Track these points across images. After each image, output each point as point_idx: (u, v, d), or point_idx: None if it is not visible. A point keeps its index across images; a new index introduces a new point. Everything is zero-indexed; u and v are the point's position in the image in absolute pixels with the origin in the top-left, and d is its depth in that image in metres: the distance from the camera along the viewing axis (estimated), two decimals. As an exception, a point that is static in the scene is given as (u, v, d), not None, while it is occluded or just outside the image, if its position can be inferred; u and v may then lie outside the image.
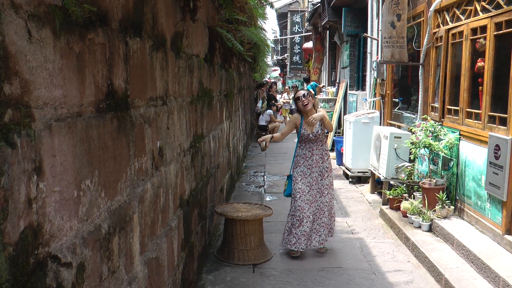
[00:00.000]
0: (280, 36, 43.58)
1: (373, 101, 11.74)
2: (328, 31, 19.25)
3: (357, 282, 5.71)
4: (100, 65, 2.42)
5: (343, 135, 12.23)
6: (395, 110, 10.28)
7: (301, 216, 6.36)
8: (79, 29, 2.16)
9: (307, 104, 6.50)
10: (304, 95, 6.54)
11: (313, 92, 6.71)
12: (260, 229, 6.36)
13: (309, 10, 23.50)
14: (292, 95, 22.97)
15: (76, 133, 2.13)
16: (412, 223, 7.27)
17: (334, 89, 17.39)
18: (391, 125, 10.25)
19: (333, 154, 14.11)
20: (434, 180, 7.32)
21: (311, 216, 6.44)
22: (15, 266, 1.66)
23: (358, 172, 11.06)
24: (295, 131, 6.82)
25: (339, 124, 15.35)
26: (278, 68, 50.03)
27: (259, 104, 19.82)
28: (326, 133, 6.81)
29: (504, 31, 5.88)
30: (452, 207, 7.12)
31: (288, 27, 34.95)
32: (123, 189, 2.78)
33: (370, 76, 12.05)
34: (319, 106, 16.72)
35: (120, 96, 2.73)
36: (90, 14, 2.25)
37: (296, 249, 6.38)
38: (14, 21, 1.66)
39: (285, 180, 6.82)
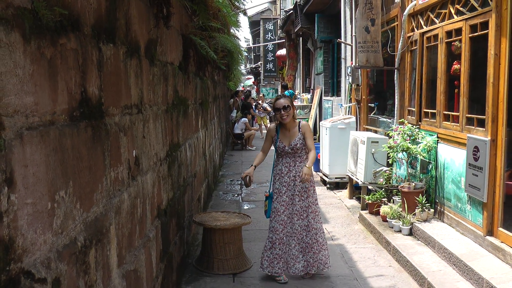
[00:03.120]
0: (253, 44, 43.73)
1: (349, 106, 11.77)
2: (301, 38, 19.40)
3: (339, 289, 5.67)
4: (73, 71, 2.33)
5: (319, 141, 12.22)
6: (371, 115, 10.32)
7: (273, 238, 5.90)
8: (50, 34, 2.07)
9: (285, 117, 5.91)
10: (284, 107, 5.92)
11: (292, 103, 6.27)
12: (239, 237, 6.28)
13: (281, 18, 23.62)
14: (268, 102, 23.04)
15: (49, 142, 2.04)
16: (392, 227, 7.26)
17: (309, 96, 17.46)
18: (367, 130, 10.28)
19: (309, 161, 14.10)
20: (413, 184, 7.32)
21: (284, 238, 5.92)
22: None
23: (336, 178, 11.04)
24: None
25: (315, 130, 15.36)
26: (252, 77, 50.12)
27: (233, 114, 19.77)
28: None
29: (479, 33, 5.92)
30: (432, 210, 7.13)
31: (261, 35, 35.08)
32: (99, 200, 2.68)
33: (345, 82, 12.10)
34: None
35: (94, 104, 2.64)
36: (62, 18, 2.16)
37: (270, 273, 5.88)
38: (-19, 24, 1.57)
39: (264, 197, 6.18)
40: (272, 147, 6.18)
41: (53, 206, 2.07)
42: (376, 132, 9.69)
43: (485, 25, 5.80)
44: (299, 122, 6.14)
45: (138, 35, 3.69)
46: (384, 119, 9.55)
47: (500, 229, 5.61)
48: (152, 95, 4.16)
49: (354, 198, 9.86)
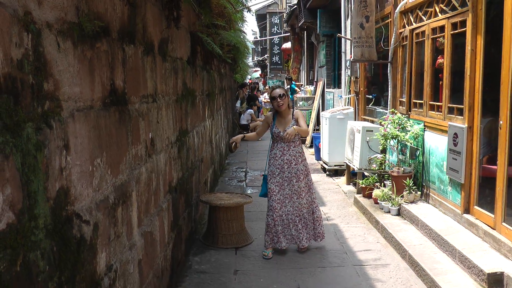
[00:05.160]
0: (260, 37, 44.18)
1: (348, 98, 12.38)
2: (305, 32, 19.82)
3: (330, 260, 6.32)
4: (105, 68, 3.00)
5: (320, 132, 12.85)
6: (369, 106, 10.90)
7: (273, 216, 6.47)
8: (90, 40, 2.74)
9: (281, 105, 6.48)
10: (280, 95, 6.49)
11: (288, 92, 6.85)
12: (241, 215, 6.96)
13: (286, 12, 24.09)
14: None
15: (90, 121, 2.71)
16: (382, 209, 7.89)
17: (312, 88, 18.01)
18: (365, 120, 10.85)
19: (312, 150, 14.78)
20: (402, 169, 7.95)
21: (283, 216, 6.52)
22: (54, 215, 2.24)
23: (335, 166, 11.67)
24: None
25: (318, 121, 15.96)
26: (259, 69, 50.49)
27: (238, 104, 20.36)
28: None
29: (459, 30, 6.49)
30: (419, 193, 7.75)
31: (268, 28, 35.56)
32: (124, 170, 3.36)
33: (345, 74, 12.67)
34: (298, 104, 17.35)
35: (120, 94, 3.31)
36: (97, 27, 2.84)
37: (276, 248, 6.52)
38: (49, 36, 2.24)
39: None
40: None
41: (92, 169, 2.75)
42: (373, 122, 10.26)
43: (463, 23, 6.38)
44: (293, 110, 6.72)
45: (153, 36, 4.35)
46: (381, 110, 10.11)
47: (476, 207, 6.19)
48: (164, 87, 4.83)
49: (351, 184, 10.46)
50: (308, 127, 6.82)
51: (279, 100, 6.49)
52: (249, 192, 9.98)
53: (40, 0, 2.16)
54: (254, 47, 45.99)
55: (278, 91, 6.63)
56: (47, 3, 2.22)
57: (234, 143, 6.79)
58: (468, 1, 6.20)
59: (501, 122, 5.52)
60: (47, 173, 2.18)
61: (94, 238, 2.73)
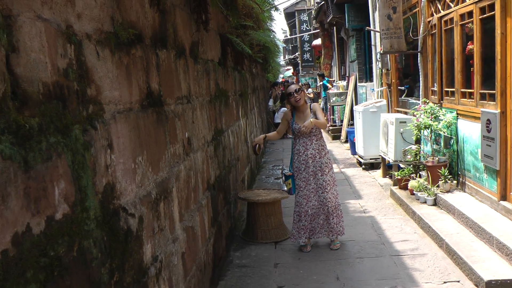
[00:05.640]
0: (290, 35, 44.23)
1: (380, 90, 12.44)
2: (334, 27, 19.87)
3: (368, 251, 6.43)
4: (140, 72, 3.21)
5: (354, 126, 12.95)
6: (401, 97, 10.94)
7: (300, 212, 6.56)
8: (125, 47, 2.95)
9: (299, 99, 6.51)
10: (296, 90, 6.53)
11: (303, 86, 6.82)
12: (279, 210, 7.14)
13: (315, 8, 24.17)
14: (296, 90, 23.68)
15: (129, 122, 2.92)
16: (419, 199, 7.96)
17: (344, 83, 18.08)
18: (398, 112, 10.88)
19: (347, 145, 14.88)
20: (437, 158, 8.00)
21: (309, 211, 6.55)
22: (103, 208, 2.45)
23: (370, 159, 11.77)
24: None
25: (352, 116, 16.02)
26: (291, 67, 50.57)
27: (270, 103, 20.51)
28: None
29: (488, 14, 6.49)
30: (455, 182, 7.78)
31: (297, 26, 35.60)
32: (163, 167, 3.57)
33: (376, 67, 12.74)
34: (331, 100, 17.43)
35: (156, 96, 3.52)
36: (131, 35, 3.05)
37: (298, 243, 6.66)
38: (89, 46, 2.45)
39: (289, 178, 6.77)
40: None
41: (135, 167, 2.96)
42: (406, 113, 10.25)
43: (492, 7, 6.37)
44: (310, 104, 6.77)
45: (184, 39, 4.56)
46: (414, 101, 10.11)
47: (512, 194, 6.25)
48: (198, 88, 5.04)
49: (387, 176, 10.52)
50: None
51: (295, 95, 6.52)
52: (285, 189, 10.13)
53: (79, 13, 2.37)
54: (284, 45, 46.07)
55: (293, 86, 6.68)
56: (85, 16, 2.43)
57: (257, 145, 6.83)
58: (496, -17, 6.22)
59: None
60: (95, 170, 2.39)
61: (140, 230, 2.94)
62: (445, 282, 5.42)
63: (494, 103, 6.43)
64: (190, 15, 4.89)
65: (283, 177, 6.95)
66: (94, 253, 2.32)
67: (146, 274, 3.03)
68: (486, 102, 6.70)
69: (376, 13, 12.11)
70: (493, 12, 6.37)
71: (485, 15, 6.64)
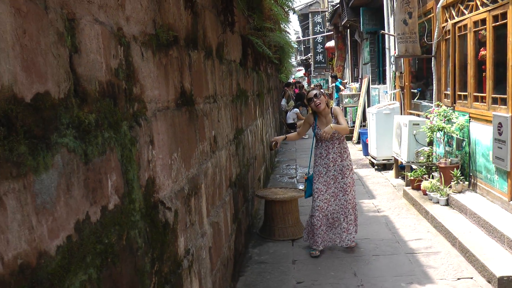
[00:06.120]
0: (303, 36, 44.35)
1: (393, 93, 12.56)
2: (348, 30, 20.01)
3: (383, 249, 6.57)
4: (176, 72, 3.36)
5: (367, 127, 13.09)
6: (414, 100, 11.08)
7: (320, 216, 6.44)
8: (164, 48, 3.10)
9: (319, 104, 6.42)
10: (316, 95, 6.44)
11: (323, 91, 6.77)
12: (296, 208, 7.28)
13: (329, 11, 24.30)
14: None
15: (167, 120, 3.07)
16: (431, 199, 8.11)
17: (357, 85, 18.20)
18: (410, 114, 11.04)
19: (359, 146, 14.99)
20: (449, 160, 8.15)
21: (329, 215, 6.52)
22: (145, 200, 2.60)
23: (383, 160, 11.90)
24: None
25: (364, 117, 16.14)
26: (303, 68, 50.69)
27: (283, 103, 20.65)
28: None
29: (500, 22, 6.68)
30: (467, 183, 7.92)
31: (310, 28, 35.80)
32: (194, 164, 3.72)
33: (390, 70, 12.86)
34: (344, 101, 17.56)
35: (188, 95, 3.67)
36: (171, 37, 3.20)
37: (316, 249, 6.48)
38: (135, 47, 2.60)
39: (305, 181, 6.76)
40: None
41: (171, 163, 3.11)
42: (418, 116, 10.42)
43: (504, 15, 6.56)
44: (331, 108, 6.65)
45: (211, 40, 4.71)
46: (426, 104, 10.28)
47: (523, 194, 6.39)
48: (222, 88, 5.19)
49: (399, 177, 10.66)
50: (348, 124, 6.82)
51: (315, 100, 6.45)
52: (300, 188, 10.27)
53: (128, 16, 2.52)
54: (297, 46, 46.21)
55: (313, 92, 6.61)
56: (132, 19, 2.58)
57: (275, 142, 6.77)
58: (508, -7, 6.37)
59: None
60: (139, 164, 2.54)
61: (175, 223, 3.09)
62: (458, 279, 5.58)
63: (506, 107, 6.60)
64: (217, 16, 5.03)
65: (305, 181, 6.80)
66: (139, 243, 2.47)
67: (181, 266, 3.17)
68: (497, 106, 6.87)
69: (391, 18, 12.24)
70: (505, 21, 6.54)
71: (497, 23, 6.82)
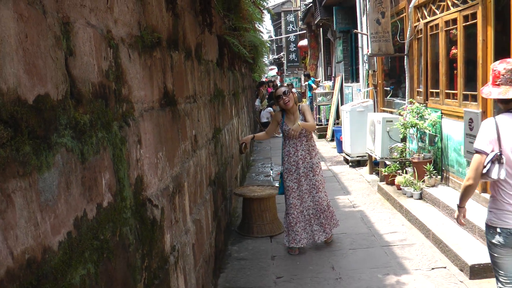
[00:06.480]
0: (275, 35, 44.52)
1: (367, 91, 12.77)
2: (321, 29, 20.17)
3: (359, 243, 6.73)
4: (159, 73, 3.44)
5: (341, 125, 13.27)
6: (387, 98, 11.28)
7: (295, 214, 6.47)
8: (149, 50, 3.18)
9: (288, 102, 6.42)
10: (284, 92, 6.44)
11: (294, 89, 6.71)
12: (274, 206, 7.40)
13: (302, 10, 24.44)
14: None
15: (152, 119, 3.15)
16: (405, 194, 8.31)
17: (330, 83, 18.38)
18: (384, 111, 11.25)
19: (333, 144, 15.17)
20: (422, 155, 8.36)
21: (304, 211, 6.53)
22: (135, 198, 2.68)
23: (357, 157, 12.11)
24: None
25: (338, 115, 16.32)
26: (275, 67, 50.80)
27: (257, 102, 20.74)
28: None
29: (470, 22, 6.90)
30: (439, 177, 8.15)
31: (283, 27, 35.95)
32: (177, 163, 3.80)
33: (363, 68, 13.06)
34: (318, 99, 17.71)
35: (171, 96, 3.75)
36: (155, 38, 3.28)
37: (295, 247, 6.48)
38: (123, 49, 2.68)
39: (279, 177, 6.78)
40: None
41: (157, 162, 3.19)
42: (391, 113, 10.63)
43: (474, 15, 6.79)
44: (299, 105, 6.64)
45: (190, 41, 4.78)
46: (399, 101, 10.50)
47: (491, 187, 6.60)
48: (201, 88, 5.26)
49: (373, 173, 10.86)
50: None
51: (284, 97, 6.44)
52: (276, 185, 10.38)
53: (116, 19, 2.60)
54: (269, 45, 46.27)
55: (282, 89, 6.61)
56: (120, 22, 2.66)
57: (243, 143, 6.73)
58: (477, -6, 6.58)
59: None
60: (129, 163, 2.62)
61: (162, 220, 3.17)
62: (433, 269, 5.81)
63: (476, 103, 6.86)
64: (195, 17, 5.10)
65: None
66: (130, 239, 2.55)
67: (167, 262, 3.26)
68: (468, 102, 7.12)
69: (364, 17, 12.43)
70: (475, 21, 6.78)
71: (468, 23, 7.06)
